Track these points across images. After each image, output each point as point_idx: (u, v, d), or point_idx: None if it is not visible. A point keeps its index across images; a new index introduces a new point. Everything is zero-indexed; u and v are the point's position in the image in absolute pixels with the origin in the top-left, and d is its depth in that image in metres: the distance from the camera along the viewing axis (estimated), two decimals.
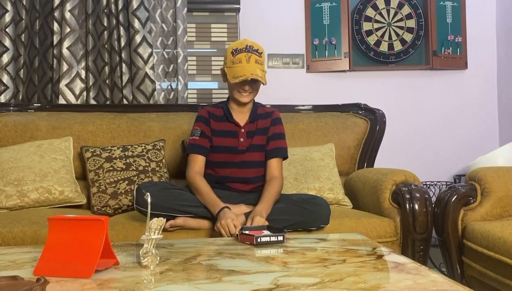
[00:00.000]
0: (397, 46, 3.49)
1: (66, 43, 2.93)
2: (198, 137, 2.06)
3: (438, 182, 3.31)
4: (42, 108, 2.71)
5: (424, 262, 2.06)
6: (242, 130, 2.09)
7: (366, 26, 3.48)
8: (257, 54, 2.00)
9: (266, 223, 1.78)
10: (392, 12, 3.50)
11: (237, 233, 1.65)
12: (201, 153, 2.05)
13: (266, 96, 2.86)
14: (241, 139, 2.07)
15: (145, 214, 1.32)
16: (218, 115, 2.11)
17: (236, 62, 1.98)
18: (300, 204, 1.92)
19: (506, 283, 1.70)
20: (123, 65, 3.00)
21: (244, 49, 1.98)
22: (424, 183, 3.22)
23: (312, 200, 1.95)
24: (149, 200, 1.32)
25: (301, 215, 1.89)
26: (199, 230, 1.93)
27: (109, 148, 2.45)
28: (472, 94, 3.56)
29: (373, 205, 2.25)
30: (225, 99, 2.19)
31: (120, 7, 3.00)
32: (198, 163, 2.04)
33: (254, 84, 2.03)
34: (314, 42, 3.44)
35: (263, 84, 2.01)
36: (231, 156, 2.07)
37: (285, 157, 2.15)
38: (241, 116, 2.10)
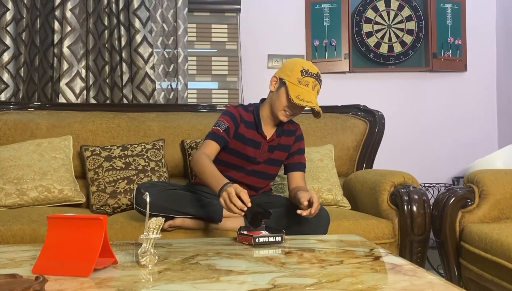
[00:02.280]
0: (397, 48, 3.50)
1: (66, 42, 2.94)
2: (222, 131, 1.94)
3: (437, 183, 3.32)
4: (42, 107, 2.71)
5: (421, 263, 2.06)
6: (266, 143, 2.03)
7: (366, 27, 3.49)
8: (320, 84, 1.94)
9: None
10: (392, 14, 3.51)
11: (247, 206, 1.56)
12: (218, 142, 1.94)
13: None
14: (262, 152, 2.03)
15: (145, 214, 1.33)
16: (248, 121, 2.02)
17: (303, 83, 1.88)
18: (300, 214, 1.87)
19: (503, 286, 1.71)
20: (124, 64, 3.01)
21: (314, 75, 1.90)
22: (423, 184, 3.23)
23: None
24: (148, 200, 1.32)
25: (300, 224, 1.85)
26: (197, 230, 1.93)
27: (109, 147, 2.46)
28: (472, 97, 3.57)
29: (371, 206, 2.26)
30: (256, 103, 2.08)
31: (121, 6, 3.00)
32: (211, 148, 1.92)
33: (302, 109, 1.96)
34: (314, 43, 3.45)
35: (318, 117, 1.95)
36: (246, 163, 2.02)
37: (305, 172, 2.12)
38: (268, 129, 2.04)
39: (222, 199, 1.62)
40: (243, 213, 1.61)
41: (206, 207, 1.90)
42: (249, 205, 1.59)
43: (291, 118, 2.00)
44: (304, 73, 1.89)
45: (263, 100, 2.07)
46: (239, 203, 1.58)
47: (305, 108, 1.93)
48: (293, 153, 2.09)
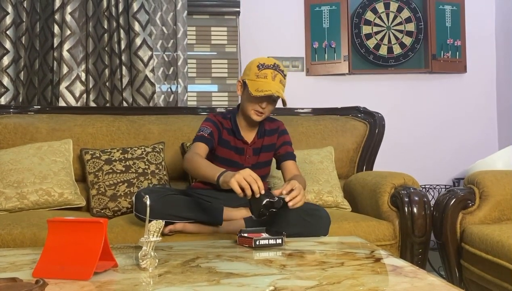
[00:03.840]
0: (397, 50, 3.50)
1: (66, 46, 2.94)
2: (207, 135, 1.97)
3: (437, 185, 3.32)
4: (42, 110, 2.72)
5: (422, 265, 2.06)
6: (249, 147, 2.05)
7: (366, 29, 3.49)
8: (282, 74, 1.94)
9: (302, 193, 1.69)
10: (391, 15, 3.51)
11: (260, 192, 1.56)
12: (206, 143, 1.96)
13: None
14: (247, 156, 2.04)
15: (145, 221, 1.32)
16: (228, 128, 2.04)
17: (261, 77, 1.90)
18: (301, 215, 1.85)
19: (505, 287, 1.71)
20: (123, 68, 3.01)
21: (271, 66, 1.92)
22: (423, 186, 3.23)
23: (314, 212, 1.88)
24: (148, 203, 1.32)
25: (301, 227, 1.84)
26: (198, 233, 1.93)
27: (109, 150, 2.46)
28: (471, 98, 3.57)
29: (372, 208, 2.26)
30: (233, 109, 2.11)
31: (120, 10, 3.01)
32: (200, 149, 1.93)
33: (271, 103, 1.97)
34: (314, 46, 3.46)
35: (284, 105, 1.93)
36: (236, 169, 2.03)
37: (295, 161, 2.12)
38: (248, 133, 2.06)
39: (235, 179, 1.59)
40: (250, 196, 1.60)
41: (206, 211, 1.90)
42: (263, 192, 1.60)
43: (264, 116, 1.99)
44: (261, 67, 1.92)
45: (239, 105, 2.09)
46: (255, 186, 1.58)
47: (284, 105, 1.92)
48: (279, 147, 2.11)
